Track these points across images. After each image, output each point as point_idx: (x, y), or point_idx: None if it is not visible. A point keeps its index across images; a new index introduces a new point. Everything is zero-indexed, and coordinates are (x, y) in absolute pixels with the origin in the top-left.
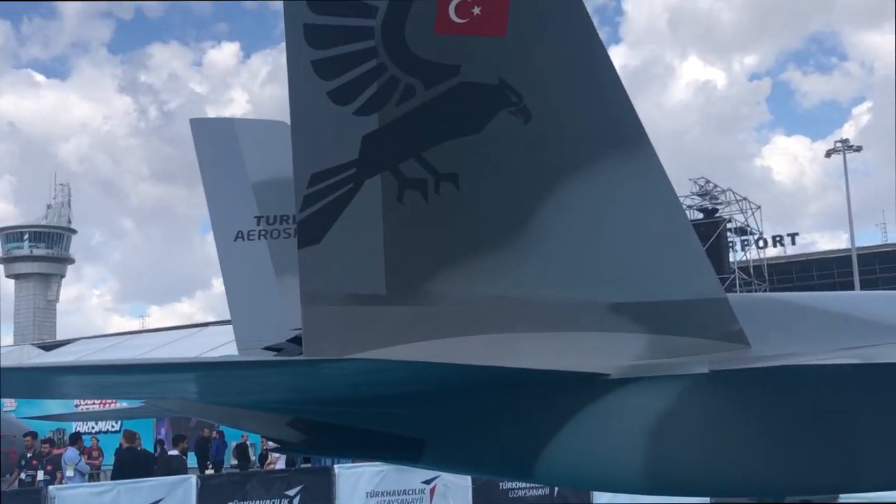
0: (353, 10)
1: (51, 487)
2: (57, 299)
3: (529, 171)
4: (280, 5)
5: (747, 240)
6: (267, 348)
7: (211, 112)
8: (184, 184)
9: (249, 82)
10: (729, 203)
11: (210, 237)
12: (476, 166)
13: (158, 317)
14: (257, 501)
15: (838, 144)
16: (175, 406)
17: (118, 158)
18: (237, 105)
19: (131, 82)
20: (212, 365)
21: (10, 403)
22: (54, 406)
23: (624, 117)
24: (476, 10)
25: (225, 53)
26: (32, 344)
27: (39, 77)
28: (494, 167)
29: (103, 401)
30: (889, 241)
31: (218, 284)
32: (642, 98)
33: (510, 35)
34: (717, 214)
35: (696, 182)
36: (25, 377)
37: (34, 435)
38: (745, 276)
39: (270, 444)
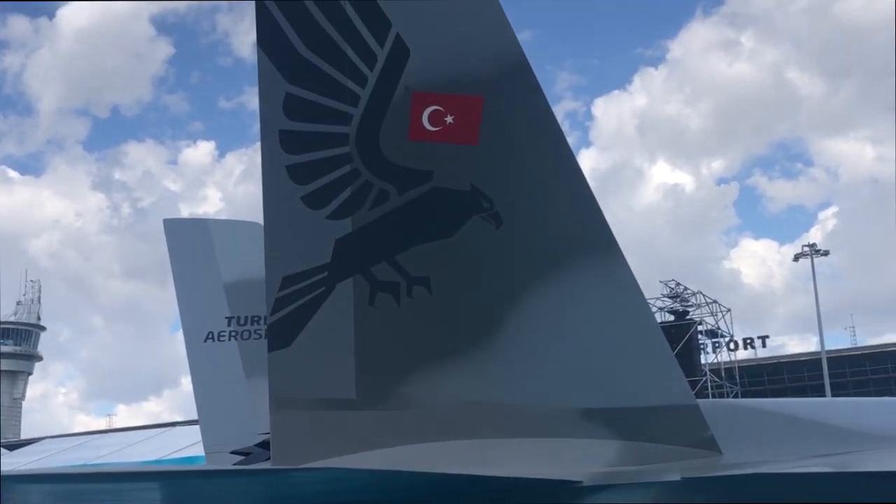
0: (328, 117)
1: None
2: (23, 397)
3: (501, 275)
4: (255, 105)
5: (718, 342)
6: (235, 452)
7: (184, 209)
8: (154, 281)
9: (223, 180)
10: (699, 305)
11: (179, 335)
12: (448, 270)
13: (125, 416)
14: None
15: (806, 248)
16: None
17: (89, 255)
18: (211, 203)
19: (105, 179)
20: (177, 474)
21: None
22: None
23: (593, 223)
24: (449, 119)
25: (200, 152)
26: None
27: (13, 173)
28: (466, 271)
29: None
30: (858, 345)
31: (186, 383)
32: (612, 200)
33: (482, 143)
34: (688, 317)
35: (666, 284)
36: None
37: None
38: (717, 379)
39: None
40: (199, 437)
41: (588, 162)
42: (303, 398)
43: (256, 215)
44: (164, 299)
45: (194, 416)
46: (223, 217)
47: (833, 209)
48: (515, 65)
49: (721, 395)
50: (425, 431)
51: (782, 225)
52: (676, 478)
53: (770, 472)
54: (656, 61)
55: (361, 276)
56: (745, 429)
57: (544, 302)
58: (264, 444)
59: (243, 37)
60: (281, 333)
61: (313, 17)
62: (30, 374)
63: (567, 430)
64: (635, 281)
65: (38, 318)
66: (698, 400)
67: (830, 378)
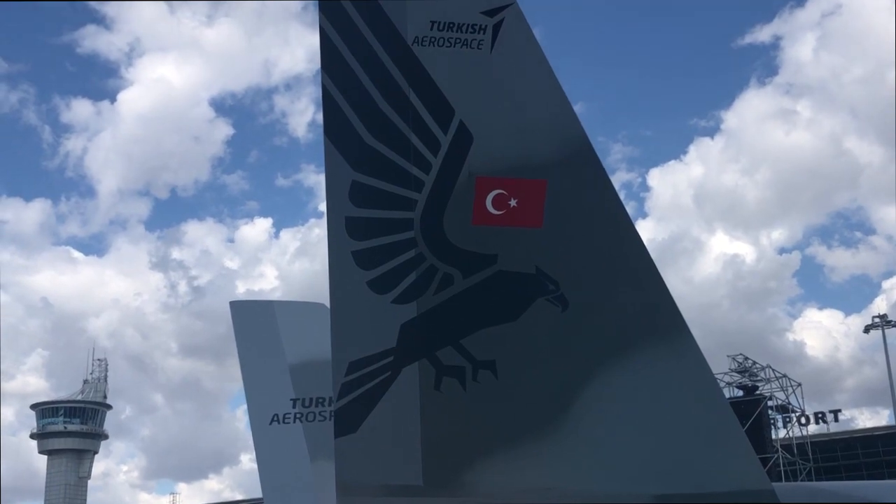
0: (393, 203)
1: None
2: (89, 475)
3: (567, 358)
4: (311, 182)
5: (788, 417)
6: None
7: (241, 286)
8: (211, 358)
9: (279, 258)
10: (769, 380)
11: (238, 413)
12: (514, 354)
13: (187, 494)
14: None
15: (876, 320)
16: None
17: (147, 333)
18: (266, 280)
19: (163, 258)
20: None
21: None
22: None
23: (661, 304)
24: (513, 203)
25: (257, 229)
26: None
27: (77, 254)
28: (532, 355)
29: None
30: None
31: (246, 461)
32: (670, 272)
33: (546, 225)
34: (757, 392)
35: (734, 359)
36: None
37: None
38: (789, 456)
39: None
40: None
41: (645, 233)
42: (369, 484)
43: (311, 292)
44: (221, 377)
45: (255, 495)
46: (279, 293)
47: None
48: (579, 147)
49: (793, 472)
50: None
51: (846, 295)
52: None
53: None
54: (711, 131)
55: (427, 361)
56: None
57: (612, 385)
58: None
59: (299, 117)
60: (347, 419)
61: (378, 106)
62: (95, 452)
63: None
64: (705, 361)
65: (105, 397)
66: (774, 483)
67: None
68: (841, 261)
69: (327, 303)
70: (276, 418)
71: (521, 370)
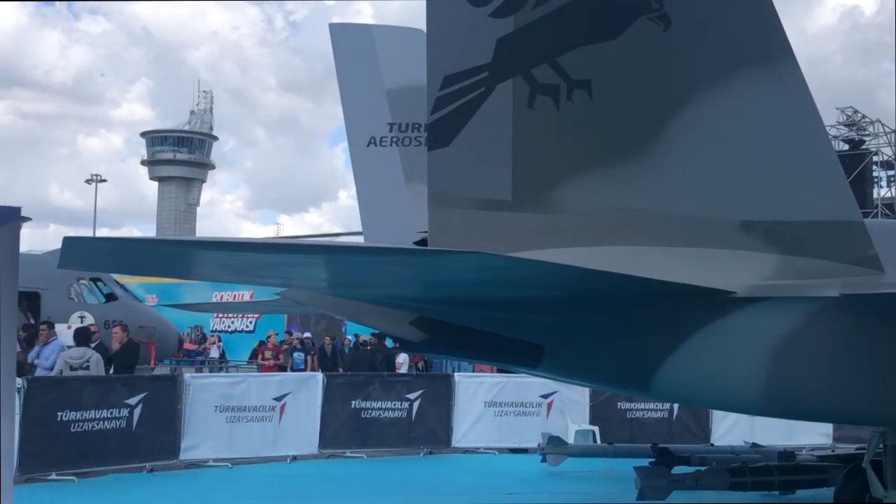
0: None
1: (186, 376)
2: (197, 203)
3: (666, 80)
4: None
5: (894, 176)
6: None
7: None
8: (309, 95)
9: None
10: (877, 135)
11: (337, 149)
12: (611, 74)
13: (289, 225)
14: (379, 402)
15: None
16: (307, 299)
17: (246, 67)
18: (361, 18)
19: None
20: (342, 249)
21: (151, 299)
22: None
23: (768, 29)
24: None
25: None
26: None
27: None
28: (629, 76)
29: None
30: None
31: (344, 196)
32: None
33: None
34: (864, 146)
35: (843, 111)
36: (164, 250)
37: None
38: (890, 214)
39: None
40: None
41: None
42: (460, 197)
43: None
44: (319, 115)
45: (353, 228)
46: None
47: None
48: None
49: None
50: (580, 236)
51: None
52: (835, 293)
53: None
54: None
55: (521, 78)
56: None
57: (710, 110)
58: (422, 243)
59: None
60: (441, 132)
61: None
62: (203, 181)
63: (725, 241)
64: (808, 91)
65: (210, 128)
66: (865, 219)
67: None
68: None
69: (425, 30)
70: (373, 140)
71: (617, 91)
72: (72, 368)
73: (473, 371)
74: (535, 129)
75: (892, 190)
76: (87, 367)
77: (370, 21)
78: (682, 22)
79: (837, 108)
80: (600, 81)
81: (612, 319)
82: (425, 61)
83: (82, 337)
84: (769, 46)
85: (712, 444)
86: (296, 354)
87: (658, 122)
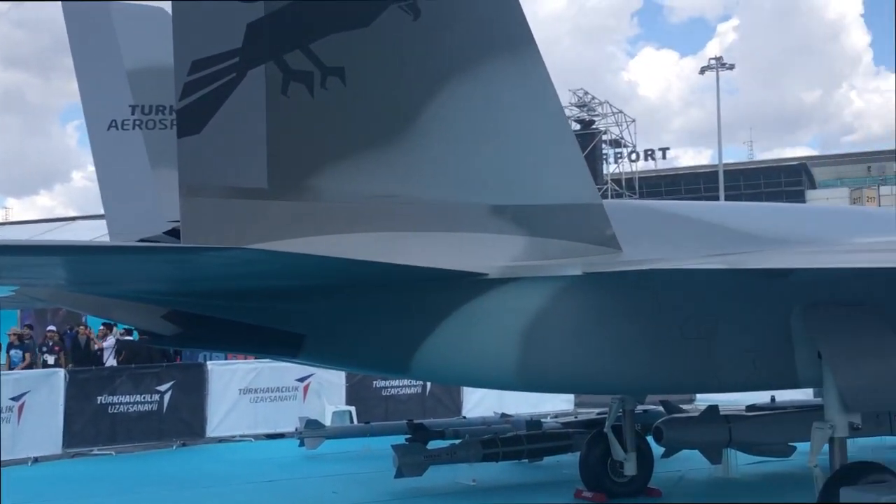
0: None
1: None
2: None
3: (416, 68)
4: None
5: (621, 152)
6: (142, 240)
7: None
8: (37, 71)
9: None
10: (605, 115)
11: (69, 128)
12: (364, 62)
13: (18, 210)
14: (127, 396)
15: (712, 62)
16: (45, 295)
17: None
18: None
19: None
20: (89, 249)
21: None
22: None
23: (512, 19)
24: None
25: None
26: None
27: None
28: (382, 63)
29: None
30: (754, 159)
31: (78, 178)
32: None
33: None
34: (594, 126)
35: (574, 93)
36: None
37: None
38: (618, 188)
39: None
40: (102, 231)
41: None
42: (213, 185)
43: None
44: (48, 90)
45: (91, 212)
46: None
47: (733, 22)
48: None
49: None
50: (336, 223)
51: (682, 36)
52: (578, 272)
53: (665, 267)
54: None
55: (274, 64)
56: (645, 228)
57: (459, 97)
58: (173, 233)
59: None
60: (191, 119)
61: None
62: None
63: (476, 225)
64: (550, 81)
65: None
66: (603, 200)
67: (726, 191)
68: (681, 2)
69: (168, 8)
70: (114, 124)
71: (370, 78)
72: None
73: (226, 359)
74: (290, 117)
75: (620, 165)
76: None
77: None
78: (431, 11)
79: (569, 90)
80: (353, 69)
81: (370, 306)
82: (170, 42)
83: None
84: (514, 36)
85: (465, 417)
86: (13, 352)
87: (411, 110)
